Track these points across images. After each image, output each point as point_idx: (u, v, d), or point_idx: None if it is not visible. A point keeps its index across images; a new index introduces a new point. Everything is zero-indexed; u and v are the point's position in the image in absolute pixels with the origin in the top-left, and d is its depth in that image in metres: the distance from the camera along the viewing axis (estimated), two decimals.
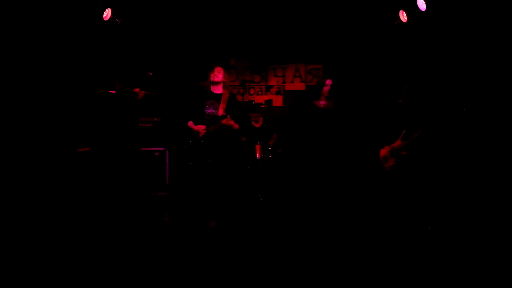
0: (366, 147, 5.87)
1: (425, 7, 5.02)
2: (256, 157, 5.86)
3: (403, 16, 5.53)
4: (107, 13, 5.37)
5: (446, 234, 3.81)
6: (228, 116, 4.79)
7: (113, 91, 5.22)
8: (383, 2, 6.14)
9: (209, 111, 4.90)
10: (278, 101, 7.53)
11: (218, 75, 4.97)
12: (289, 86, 7.49)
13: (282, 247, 3.52)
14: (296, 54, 7.56)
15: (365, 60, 6.94)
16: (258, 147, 5.89)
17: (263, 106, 5.34)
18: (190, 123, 4.92)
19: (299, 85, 7.47)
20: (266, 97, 7.48)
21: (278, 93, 7.57)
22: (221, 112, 4.89)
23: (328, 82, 5.85)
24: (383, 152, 5.32)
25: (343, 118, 5.98)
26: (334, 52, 7.36)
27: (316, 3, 6.99)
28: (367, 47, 6.97)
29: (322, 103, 5.80)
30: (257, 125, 6.61)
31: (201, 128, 4.83)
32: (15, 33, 4.79)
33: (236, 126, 4.82)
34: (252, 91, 7.56)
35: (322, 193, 5.62)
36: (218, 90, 5.03)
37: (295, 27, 7.37)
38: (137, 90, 5.04)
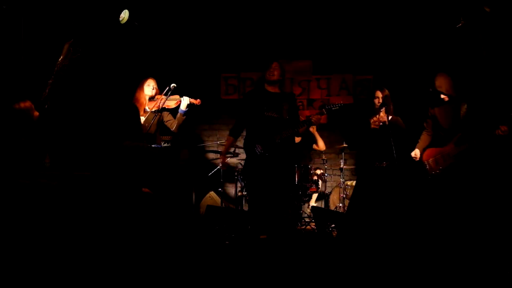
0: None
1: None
2: None
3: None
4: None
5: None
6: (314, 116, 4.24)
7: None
8: (441, 5, 5.51)
9: (269, 114, 4.12)
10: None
11: (275, 72, 4.20)
12: (334, 100, 6.55)
13: None
14: (343, 62, 6.76)
15: (422, 69, 6.12)
16: None
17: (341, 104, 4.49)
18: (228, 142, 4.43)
19: (346, 99, 6.56)
20: (307, 112, 6.56)
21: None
22: (285, 114, 4.14)
23: (378, 94, 4.99)
24: (429, 154, 4.62)
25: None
26: (386, 60, 6.56)
27: (363, 6, 6.31)
28: (424, 54, 6.19)
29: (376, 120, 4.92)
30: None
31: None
32: None
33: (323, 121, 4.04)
34: None
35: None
36: (274, 89, 4.24)
37: (341, 32, 6.62)
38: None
